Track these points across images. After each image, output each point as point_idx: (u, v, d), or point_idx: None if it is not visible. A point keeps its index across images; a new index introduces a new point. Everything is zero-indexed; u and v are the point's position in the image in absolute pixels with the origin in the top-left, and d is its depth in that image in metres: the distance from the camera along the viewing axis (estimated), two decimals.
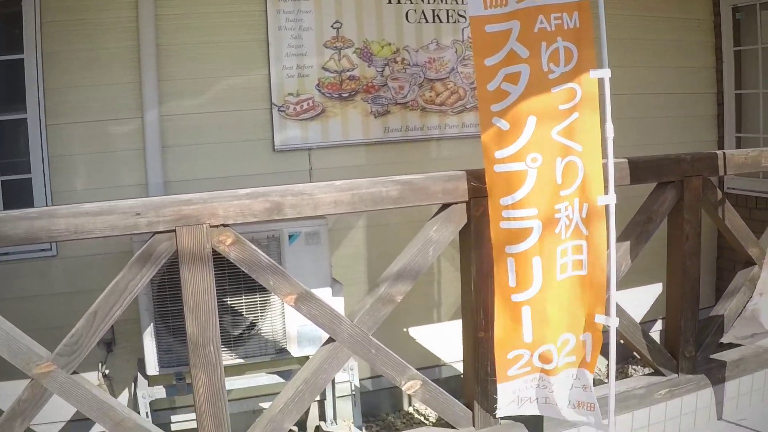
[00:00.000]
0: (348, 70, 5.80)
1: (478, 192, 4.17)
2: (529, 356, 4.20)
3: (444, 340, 6.10)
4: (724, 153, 5.11)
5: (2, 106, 5.29)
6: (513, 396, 4.29)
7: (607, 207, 4.08)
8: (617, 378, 4.46)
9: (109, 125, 5.41)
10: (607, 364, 4.29)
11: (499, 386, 4.24)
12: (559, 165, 4.03)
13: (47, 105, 5.26)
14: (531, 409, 4.35)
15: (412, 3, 5.94)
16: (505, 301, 4.13)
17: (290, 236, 4.76)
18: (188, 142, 5.53)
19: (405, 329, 6.13)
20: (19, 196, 5.28)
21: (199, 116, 5.55)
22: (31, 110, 5.26)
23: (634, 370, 6.67)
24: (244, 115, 5.65)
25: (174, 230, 3.71)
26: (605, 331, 4.19)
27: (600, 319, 4.13)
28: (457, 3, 6.06)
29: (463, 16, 6.05)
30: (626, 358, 6.66)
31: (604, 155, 4.06)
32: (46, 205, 5.20)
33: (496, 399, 4.29)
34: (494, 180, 4.05)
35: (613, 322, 4.16)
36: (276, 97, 5.66)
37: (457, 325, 4.63)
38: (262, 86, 5.67)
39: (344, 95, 5.80)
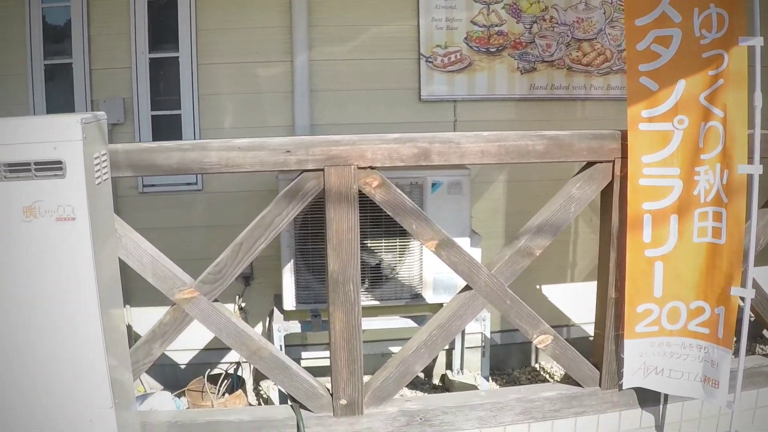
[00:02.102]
0: (496, 26, 5.77)
1: (623, 152, 4.14)
2: (657, 313, 4.20)
3: (575, 300, 6.09)
4: None
5: (156, 44, 5.46)
6: (639, 362, 4.27)
7: (750, 177, 4.01)
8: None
9: (258, 67, 5.54)
10: (737, 339, 4.22)
11: (627, 342, 4.24)
12: (702, 129, 3.99)
13: (199, 45, 5.44)
14: (656, 383, 4.31)
15: None
16: (638, 255, 4.14)
17: (433, 184, 4.79)
18: (335, 87, 5.61)
19: (537, 286, 6.12)
20: (169, 131, 5.47)
21: (347, 62, 5.61)
22: (183, 49, 5.45)
23: (762, 349, 6.53)
24: (391, 63, 5.68)
25: (322, 169, 3.80)
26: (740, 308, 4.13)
27: (735, 291, 4.07)
28: None
29: None
30: (755, 336, 6.52)
31: (751, 125, 3.98)
32: None
33: (624, 361, 4.29)
34: (637, 138, 4.06)
35: (749, 294, 4.10)
36: (424, 47, 5.67)
37: (589, 287, 4.63)
38: (410, 36, 5.68)
39: (491, 50, 5.77)
